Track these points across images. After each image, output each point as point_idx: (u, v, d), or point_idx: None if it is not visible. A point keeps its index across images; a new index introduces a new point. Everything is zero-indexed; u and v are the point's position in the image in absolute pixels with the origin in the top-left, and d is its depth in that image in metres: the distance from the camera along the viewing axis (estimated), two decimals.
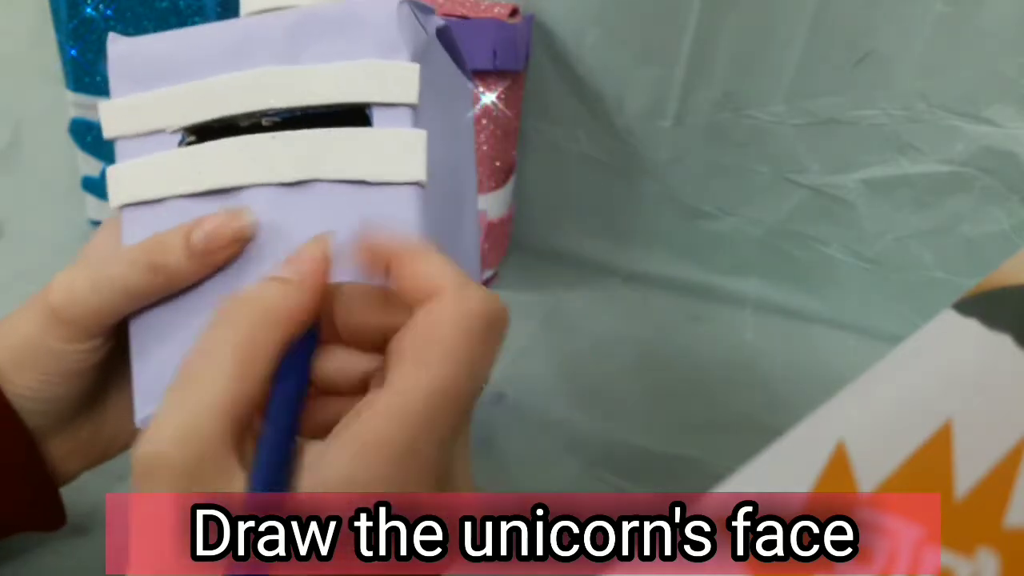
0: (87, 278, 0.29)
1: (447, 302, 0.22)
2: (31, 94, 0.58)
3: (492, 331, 0.23)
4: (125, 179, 0.30)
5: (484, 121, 0.55)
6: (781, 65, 0.52)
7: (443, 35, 0.31)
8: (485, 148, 0.56)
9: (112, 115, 0.30)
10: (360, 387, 0.25)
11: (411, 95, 0.28)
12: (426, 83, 0.29)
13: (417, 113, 0.28)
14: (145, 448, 0.21)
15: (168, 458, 0.21)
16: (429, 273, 0.23)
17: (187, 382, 0.22)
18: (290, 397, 0.23)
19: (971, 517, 0.14)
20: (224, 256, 0.28)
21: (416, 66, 0.28)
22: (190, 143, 0.29)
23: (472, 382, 0.22)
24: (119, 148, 0.30)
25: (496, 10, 0.53)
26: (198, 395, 0.21)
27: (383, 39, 0.28)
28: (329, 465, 0.21)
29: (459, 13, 0.53)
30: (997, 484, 0.14)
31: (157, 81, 0.29)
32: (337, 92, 0.28)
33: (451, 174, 0.32)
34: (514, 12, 0.54)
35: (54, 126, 0.58)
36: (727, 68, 0.54)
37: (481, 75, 0.54)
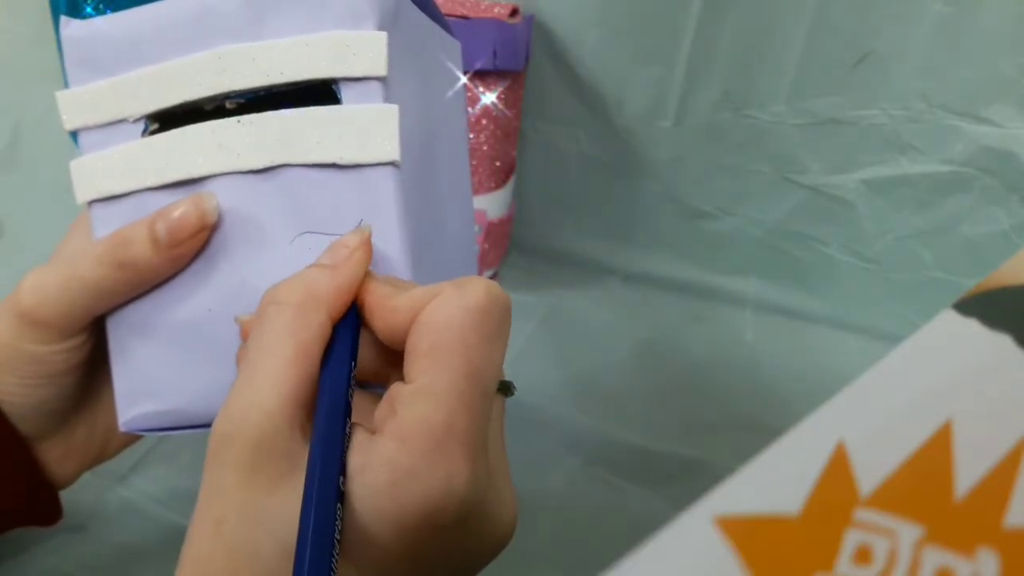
0: (56, 278, 0.28)
1: (449, 295, 0.23)
2: (31, 94, 0.57)
3: (493, 312, 0.23)
4: (90, 173, 0.28)
5: (484, 121, 0.55)
6: (781, 65, 0.52)
7: None
8: (485, 148, 0.56)
9: (71, 105, 0.28)
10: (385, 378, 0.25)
11: (379, 67, 0.26)
12: (400, 51, 0.27)
13: (388, 86, 0.26)
14: (217, 427, 0.22)
15: (234, 436, 0.21)
16: (413, 296, 0.23)
17: (250, 364, 0.23)
18: (340, 376, 0.23)
19: (971, 517, 0.14)
20: (191, 245, 0.27)
21: (383, 35, 0.26)
22: (153, 131, 0.28)
23: (486, 367, 0.23)
24: (82, 140, 0.29)
25: (496, 10, 0.53)
26: (262, 374, 0.22)
27: (347, 6, 0.26)
28: (378, 452, 0.21)
29: (459, 13, 0.53)
30: (997, 484, 0.14)
31: (115, 66, 0.28)
32: (301, 68, 0.26)
33: (437, 149, 0.30)
34: (514, 12, 0.54)
35: (54, 126, 0.57)
36: (727, 68, 0.54)
37: (481, 75, 0.54)
